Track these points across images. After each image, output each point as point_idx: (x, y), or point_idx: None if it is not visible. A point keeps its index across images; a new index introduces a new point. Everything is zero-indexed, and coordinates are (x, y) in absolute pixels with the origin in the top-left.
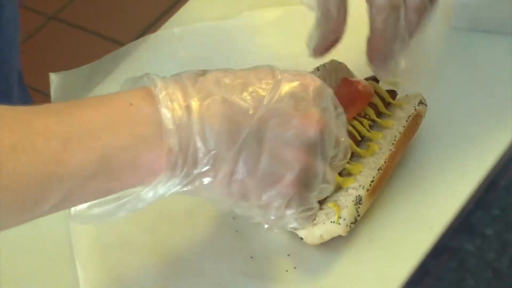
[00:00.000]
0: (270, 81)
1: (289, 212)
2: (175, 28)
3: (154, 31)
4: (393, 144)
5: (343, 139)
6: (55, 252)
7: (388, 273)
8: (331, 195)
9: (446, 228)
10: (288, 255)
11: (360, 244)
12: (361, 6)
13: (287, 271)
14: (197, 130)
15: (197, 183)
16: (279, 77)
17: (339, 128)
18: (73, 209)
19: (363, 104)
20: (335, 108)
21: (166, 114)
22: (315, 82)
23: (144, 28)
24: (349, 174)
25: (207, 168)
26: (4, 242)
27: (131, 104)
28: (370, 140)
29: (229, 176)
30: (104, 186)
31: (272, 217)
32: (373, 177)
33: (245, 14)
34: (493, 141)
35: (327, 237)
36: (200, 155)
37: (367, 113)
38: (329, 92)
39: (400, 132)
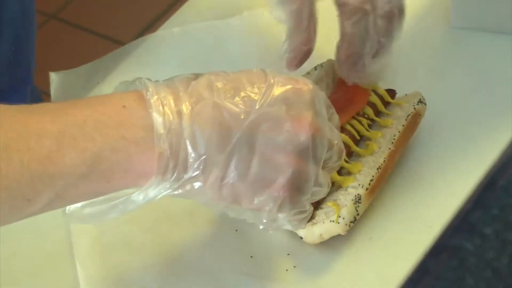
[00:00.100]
0: (263, 85)
1: (281, 215)
2: (175, 28)
3: (154, 31)
4: (392, 143)
5: (336, 141)
6: (55, 252)
7: (388, 272)
8: (331, 194)
9: (446, 227)
10: (288, 254)
11: (359, 243)
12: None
13: (287, 270)
14: (188, 135)
15: (187, 187)
16: (272, 81)
17: (332, 131)
18: (67, 208)
19: (360, 105)
20: (328, 110)
21: (157, 118)
22: (307, 86)
23: (144, 28)
24: (349, 173)
25: (197, 173)
26: (4, 242)
27: (124, 106)
28: (369, 139)
29: (219, 180)
30: (96, 187)
31: (264, 220)
32: (373, 176)
33: (245, 14)
34: (493, 140)
35: (326, 236)
36: (191, 160)
37: (366, 112)
38: (322, 95)
39: (399, 131)
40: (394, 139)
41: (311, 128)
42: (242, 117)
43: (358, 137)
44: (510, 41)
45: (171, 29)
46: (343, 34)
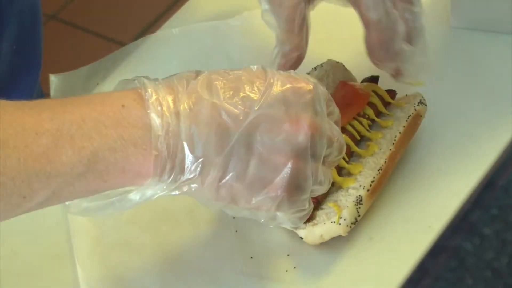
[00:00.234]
0: (262, 85)
1: (280, 214)
2: (174, 28)
3: (154, 31)
4: (393, 144)
5: (336, 138)
6: (55, 252)
7: (388, 272)
8: (331, 194)
9: (446, 227)
10: (288, 255)
11: (359, 244)
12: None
13: (287, 271)
14: (186, 136)
15: (185, 188)
16: (272, 80)
17: (332, 128)
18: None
19: (360, 105)
20: (329, 107)
21: (155, 119)
22: (307, 85)
23: (144, 28)
24: (349, 174)
25: (194, 175)
26: (4, 242)
27: (123, 105)
28: (369, 140)
29: (217, 181)
30: (92, 186)
31: (263, 220)
32: (374, 177)
33: (245, 14)
34: (493, 140)
35: (327, 237)
36: (188, 162)
37: (366, 113)
38: (323, 91)
39: (400, 132)
40: (394, 140)
41: (310, 128)
42: (241, 118)
43: (358, 138)
44: (509, 41)
45: (171, 30)
46: (367, 25)
